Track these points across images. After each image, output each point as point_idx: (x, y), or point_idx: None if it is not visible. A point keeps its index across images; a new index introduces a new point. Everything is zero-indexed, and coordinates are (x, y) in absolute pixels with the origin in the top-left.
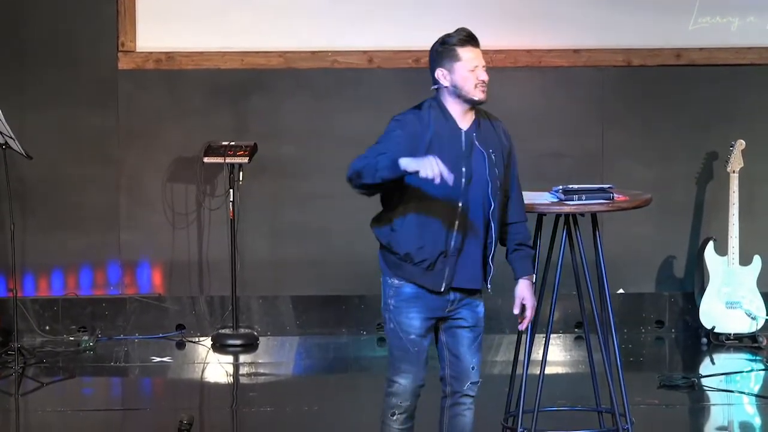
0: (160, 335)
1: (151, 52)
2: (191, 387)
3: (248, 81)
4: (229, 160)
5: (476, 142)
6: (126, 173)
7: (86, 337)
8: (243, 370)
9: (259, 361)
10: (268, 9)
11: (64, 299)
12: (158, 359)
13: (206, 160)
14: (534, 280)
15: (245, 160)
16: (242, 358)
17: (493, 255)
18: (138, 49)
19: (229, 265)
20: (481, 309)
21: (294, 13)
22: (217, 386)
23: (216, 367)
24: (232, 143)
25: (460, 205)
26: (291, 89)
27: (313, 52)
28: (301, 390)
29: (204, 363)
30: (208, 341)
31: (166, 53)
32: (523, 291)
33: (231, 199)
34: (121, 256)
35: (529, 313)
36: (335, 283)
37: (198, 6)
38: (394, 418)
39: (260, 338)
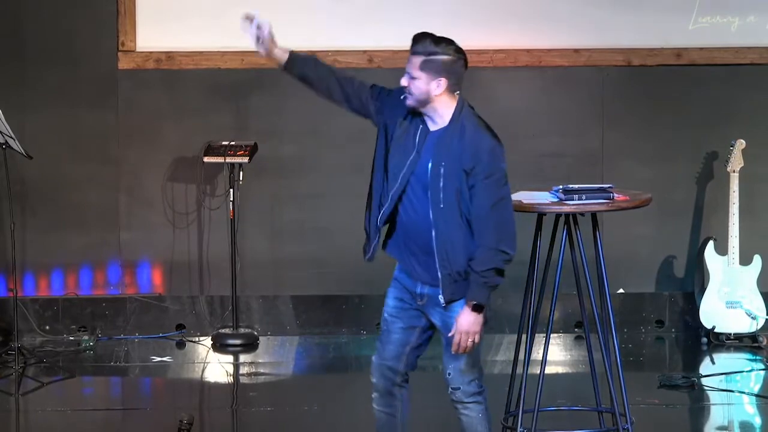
0: (160, 335)
1: (151, 52)
2: (191, 387)
3: (248, 80)
4: (229, 159)
5: (431, 145)
6: (126, 173)
7: (86, 337)
8: (243, 370)
9: (259, 360)
10: (268, 8)
11: (64, 299)
12: (158, 359)
13: (206, 159)
14: (473, 308)
15: (245, 159)
16: (242, 357)
17: (441, 265)
18: (138, 49)
19: (229, 265)
20: (454, 315)
21: (294, 12)
22: (217, 386)
23: (216, 367)
24: (232, 143)
25: (393, 190)
26: (291, 89)
27: (313, 52)
28: (301, 390)
29: (204, 363)
30: (208, 341)
31: (166, 53)
32: (458, 316)
33: (231, 199)
34: (121, 256)
35: (455, 339)
36: (335, 282)
37: (198, 5)
38: (373, 396)
39: (260, 338)
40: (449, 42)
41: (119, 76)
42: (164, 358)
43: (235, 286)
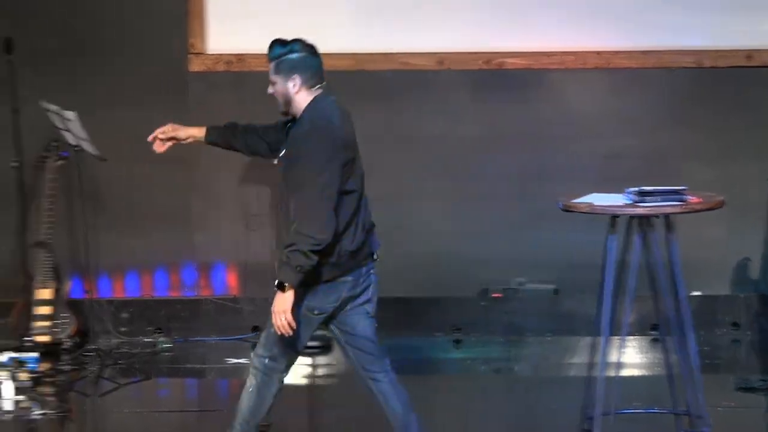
0: (236, 337)
1: (221, 54)
2: None
3: None
4: None
5: (287, 138)
6: (199, 174)
7: (162, 339)
8: (318, 372)
9: (334, 363)
10: (339, 10)
11: (140, 301)
12: (234, 361)
13: (278, 161)
14: (275, 288)
15: None
16: (317, 360)
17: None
18: (208, 51)
19: None
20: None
21: (365, 14)
22: (292, 388)
23: (291, 369)
24: None
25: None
26: (361, 91)
27: (384, 54)
28: None
29: None
30: None
31: (237, 55)
32: None
33: None
34: (195, 258)
35: (273, 320)
36: (409, 284)
37: (268, 7)
38: None
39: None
40: (296, 41)
41: (190, 78)
42: (240, 360)
43: None
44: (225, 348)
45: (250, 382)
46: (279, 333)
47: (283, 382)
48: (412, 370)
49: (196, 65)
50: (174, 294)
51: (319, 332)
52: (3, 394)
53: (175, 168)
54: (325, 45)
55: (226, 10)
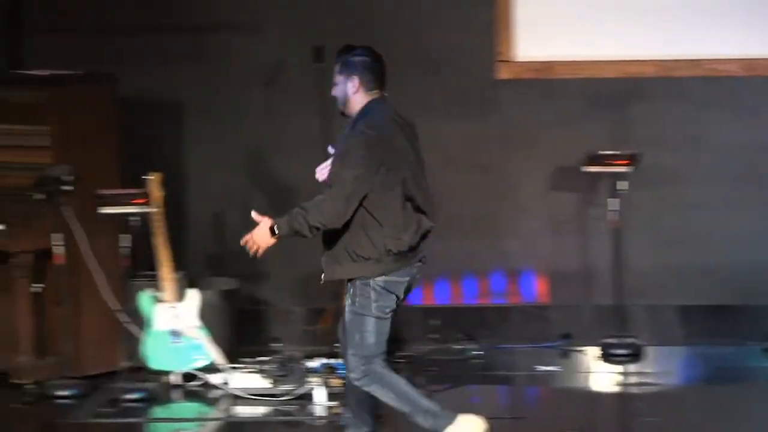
0: (545, 344)
1: (529, 62)
2: (575, 396)
3: (627, 90)
4: (610, 169)
5: (341, 140)
6: (506, 181)
7: (470, 346)
8: (628, 380)
9: (645, 370)
10: (645, 17)
11: (450, 308)
12: (543, 368)
13: (587, 169)
14: (270, 228)
15: (627, 169)
16: (627, 367)
17: (335, 241)
18: (516, 59)
19: (612, 274)
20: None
21: (671, 21)
22: (601, 396)
23: (600, 377)
24: (613, 152)
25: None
26: (669, 97)
27: (690, 60)
28: (688, 401)
29: (588, 372)
30: (592, 350)
31: (545, 62)
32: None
33: (613, 208)
34: (504, 265)
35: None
36: (720, 292)
37: (574, 14)
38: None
39: (645, 348)
40: (363, 47)
41: (498, 86)
42: (548, 368)
43: (619, 294)
44: (534, 355)
45: (377, 393)
46: (252, 251)
47: (389, 364)
48: (723, 379)
49: (504, 73)
50: (483, 301)
51: (629, 340)
52: (315, 399)
53: (483, 175)
54: (629, 51)
55: (534, 18)
